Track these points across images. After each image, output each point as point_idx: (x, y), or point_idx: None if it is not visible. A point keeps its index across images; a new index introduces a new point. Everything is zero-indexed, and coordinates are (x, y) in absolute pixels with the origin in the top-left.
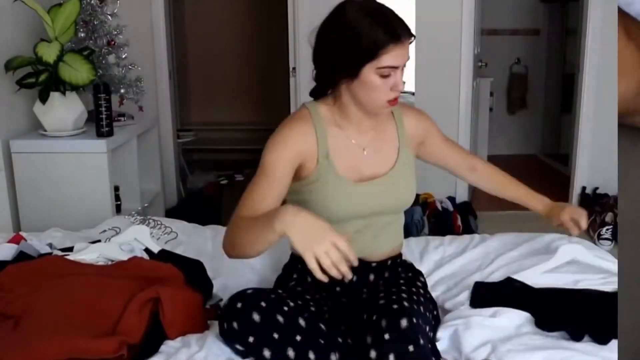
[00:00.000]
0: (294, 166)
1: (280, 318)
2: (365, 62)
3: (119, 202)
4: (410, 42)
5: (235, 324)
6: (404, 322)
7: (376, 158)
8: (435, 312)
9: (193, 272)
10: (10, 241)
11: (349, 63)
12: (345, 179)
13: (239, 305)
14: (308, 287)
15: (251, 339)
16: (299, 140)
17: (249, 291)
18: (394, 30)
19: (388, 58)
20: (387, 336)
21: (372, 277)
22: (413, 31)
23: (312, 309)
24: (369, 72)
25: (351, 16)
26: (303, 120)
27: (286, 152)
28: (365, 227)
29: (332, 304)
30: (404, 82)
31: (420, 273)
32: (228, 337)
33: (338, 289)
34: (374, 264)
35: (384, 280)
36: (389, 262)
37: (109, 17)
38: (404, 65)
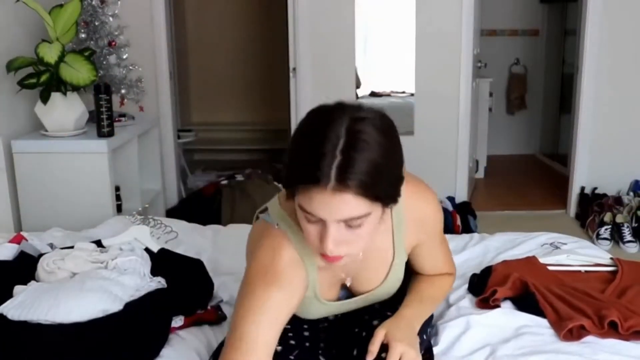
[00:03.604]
0: None
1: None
2: (290, 188)
3: (119, 202)
4: (346, 191)
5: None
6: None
7: (360, 279)
8: None
9: (193, 272)
10: (11, 241)
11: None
12: (324, 301)
13: None
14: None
15: None
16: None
17: None
18: (316, 168)
19: (304, 199)
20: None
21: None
22: (412, 36)
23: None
24: (298, 203)
25: (304, 124)
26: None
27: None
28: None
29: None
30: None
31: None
32: None
33: (325, 324)
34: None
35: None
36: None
37: (110, 17)
38: (348, 224)
